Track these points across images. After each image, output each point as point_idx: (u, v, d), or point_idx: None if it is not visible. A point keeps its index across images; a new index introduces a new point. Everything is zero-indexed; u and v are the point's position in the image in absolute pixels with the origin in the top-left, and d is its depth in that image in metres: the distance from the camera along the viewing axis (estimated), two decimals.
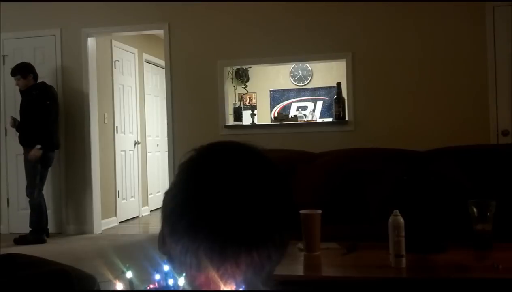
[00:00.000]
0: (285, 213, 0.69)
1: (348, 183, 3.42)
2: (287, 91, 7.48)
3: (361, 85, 5.09)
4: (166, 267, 0.64)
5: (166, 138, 5.63)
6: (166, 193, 0.71)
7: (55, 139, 5.47)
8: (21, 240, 5.24)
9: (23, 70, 5.41)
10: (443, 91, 4.91)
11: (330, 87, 7.02)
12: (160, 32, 5.70)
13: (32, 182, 5.34)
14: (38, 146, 5.26)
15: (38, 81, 5.49)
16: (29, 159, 5.28)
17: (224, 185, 0.66)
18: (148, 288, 0.64)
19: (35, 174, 5.35)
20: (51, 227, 5.69)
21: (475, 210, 2.29)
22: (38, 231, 5.32)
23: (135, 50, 7.12)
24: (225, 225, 0.64)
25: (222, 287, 0.63)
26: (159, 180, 7.72)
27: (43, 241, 5.28)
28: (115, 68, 6.53)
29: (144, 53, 7.39)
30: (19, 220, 5.79)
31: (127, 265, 0.66)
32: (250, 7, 5.30)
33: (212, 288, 0.64)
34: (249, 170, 0.69)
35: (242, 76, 7.09)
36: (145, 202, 7.37)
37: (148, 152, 7.52)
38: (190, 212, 0.66)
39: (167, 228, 0.69)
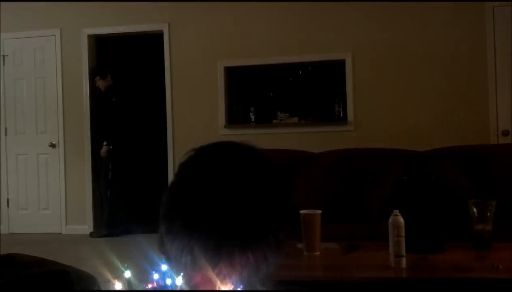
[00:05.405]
0: (281, 213, 0.69)
1: (348, 183, 3.42)
2: None
3: (361, 85, 5.09)
4: (164, 267, 0.64)
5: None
6: (165, 193, 0.71)
7: None
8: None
9: (101, 71, 5.59)
10: (443, 91, 4.90)
11: None
12: (160, 32, 5.69)
13: None
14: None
15: None
16: None
17: (219, 185, 0.67)
18: (147, 287, 0.64)
19: None
20: (51, 227, 5.69)
21: (475, 210, 2.29)
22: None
23: None
24: (219, 224, 0.64)
25: (218, 287, 0.63)
26: None
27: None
28: None
29: None
30: (19, 220, 5.79)
31: (126, 265, 0.66)
32: (250, 7, 5.30)
33: (208, 287, 0.64)
34: (246, 170, 0.69)
35: None
36: None
37: None
38: (186, 211, 0.66)
39: (164, 227, 0.69)
